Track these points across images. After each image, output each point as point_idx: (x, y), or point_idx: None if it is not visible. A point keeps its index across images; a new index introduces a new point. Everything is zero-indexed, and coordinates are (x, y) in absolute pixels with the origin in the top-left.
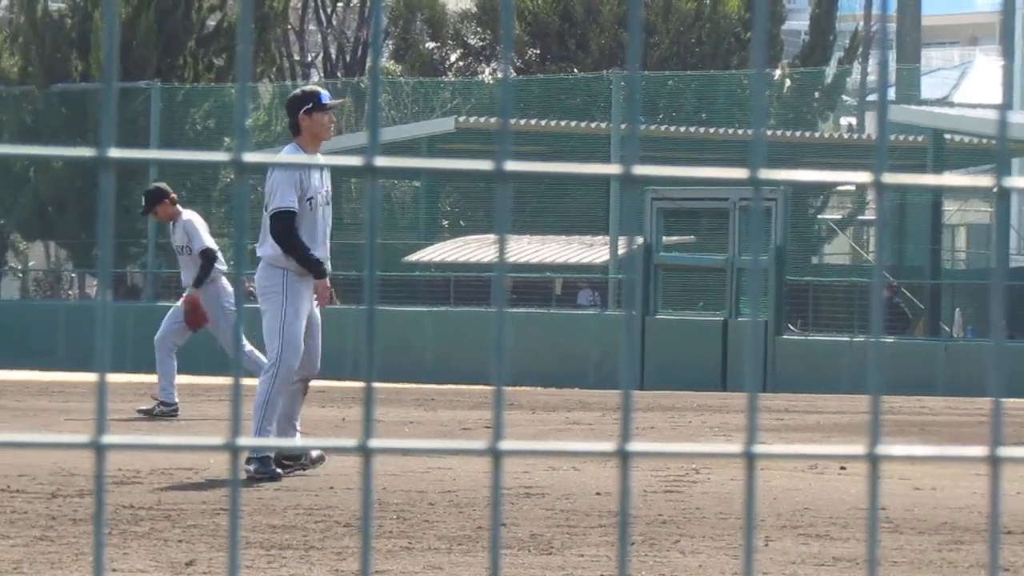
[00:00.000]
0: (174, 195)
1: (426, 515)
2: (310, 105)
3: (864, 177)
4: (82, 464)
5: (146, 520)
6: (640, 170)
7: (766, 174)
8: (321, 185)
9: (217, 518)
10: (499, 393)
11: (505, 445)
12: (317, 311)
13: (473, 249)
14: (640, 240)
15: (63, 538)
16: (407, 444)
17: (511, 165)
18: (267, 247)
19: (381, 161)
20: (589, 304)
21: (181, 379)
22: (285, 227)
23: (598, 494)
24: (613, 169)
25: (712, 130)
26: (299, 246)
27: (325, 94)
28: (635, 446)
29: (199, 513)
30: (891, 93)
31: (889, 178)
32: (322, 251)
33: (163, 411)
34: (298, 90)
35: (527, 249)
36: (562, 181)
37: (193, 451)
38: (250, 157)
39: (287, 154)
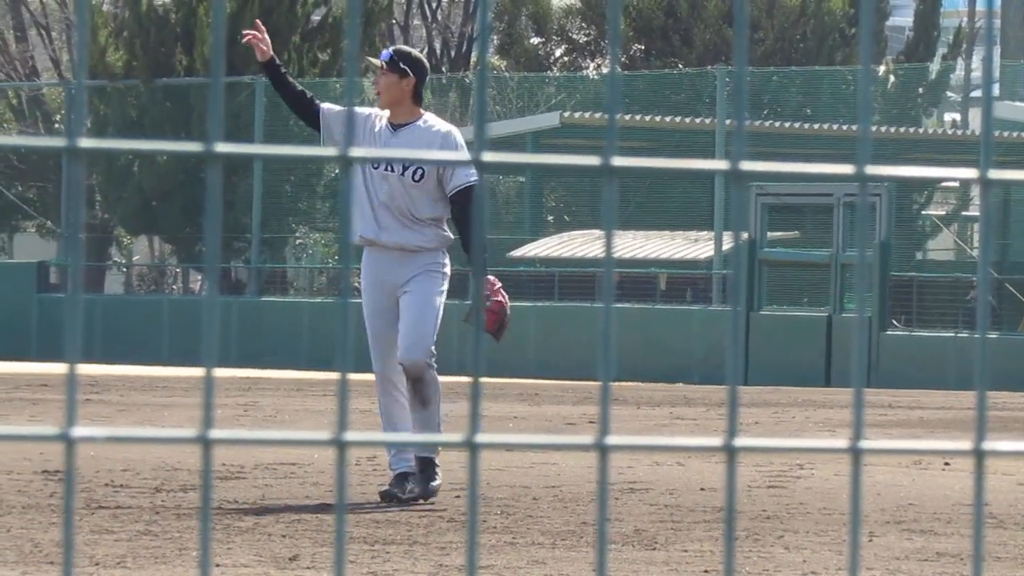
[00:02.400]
0: None
1: (530, 510)
2: None
3: (969, 173)
4: (185, 459)
5: (250, 515)
6: (748, 166)
7: (872, 170)
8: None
9: (321, 513)
10: (606, 388)
11: (611, 440)
12: (410, 288)
13: (578, 244)
14: (745, 236)
15: (166, 533)
16: (512, 439)
17: (618, 161)
18: None
19: (489, 156)
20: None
21: (285, 374)
22: None
23: (702, 489)
24: (721, 165)
25: (816, 126)
26: None
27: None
28: (741, 442)
29: (303, 508)
30: (995, 89)
31: (994, 174)
32: (366, 219)
33: None
34: None
35: (631, 244)
36: (666, 177)
37: (299, 446)
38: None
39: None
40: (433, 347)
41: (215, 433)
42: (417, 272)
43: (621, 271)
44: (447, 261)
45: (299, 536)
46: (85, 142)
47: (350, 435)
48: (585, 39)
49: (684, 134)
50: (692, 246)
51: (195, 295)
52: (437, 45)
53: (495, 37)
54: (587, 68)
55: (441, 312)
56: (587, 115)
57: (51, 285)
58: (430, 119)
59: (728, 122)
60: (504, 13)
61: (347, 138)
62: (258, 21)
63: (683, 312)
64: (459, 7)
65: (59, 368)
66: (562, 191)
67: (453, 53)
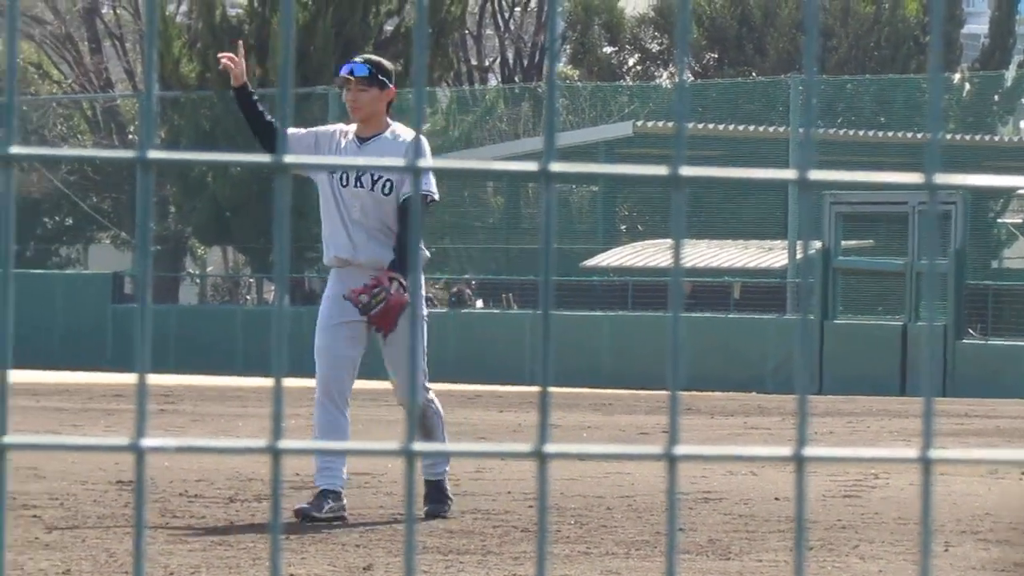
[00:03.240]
0: None
1: (604, 520)
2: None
3: None
4: (259, 469)
5: (323, 525)
6: (816, 175)
7: (942, 179)
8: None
9: (394, 523)
10: (674, 398)
11: (681, 450)
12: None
13: (651, 254)
14: (818, 244)
15: (240, 543)
16: (583, 449)
17: (686, 170)
18: None
19: (557, 166)
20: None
21: (358, 384)
22: None
23: (776, 499)
24: (789, 174)
25: (891, 134)
26: None
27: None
28: (811, 451)
29: (376, 518)
30: None
31: None
32: (340, 239)
33: None
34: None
35: (705, 253)
36: (740, 185)
37: (369, 456)
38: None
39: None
40: (426, 376)
41: (284, 443)
42: None
43: (694, 280)
44: (421, 280)
45: (373, 546)
46: (154, 154)
47: (418, 446)
48: (658, 48)
49: (757, 143)
50: (766, 255)
51: (269, 305)
52: (510, 55)
53: (568, 47)
54: (660, 77)
55: (426, 336)
56: (660, 124)
57: (126, 296)
58: (397, 129)
59: (800, 130)
60: (577, 23)
61: (416, 150)
62: (240, 42)
63: (757, 321)
64: (532, 17)
65: (133, 378)
66: (635, 200)
67: (526, 63)
